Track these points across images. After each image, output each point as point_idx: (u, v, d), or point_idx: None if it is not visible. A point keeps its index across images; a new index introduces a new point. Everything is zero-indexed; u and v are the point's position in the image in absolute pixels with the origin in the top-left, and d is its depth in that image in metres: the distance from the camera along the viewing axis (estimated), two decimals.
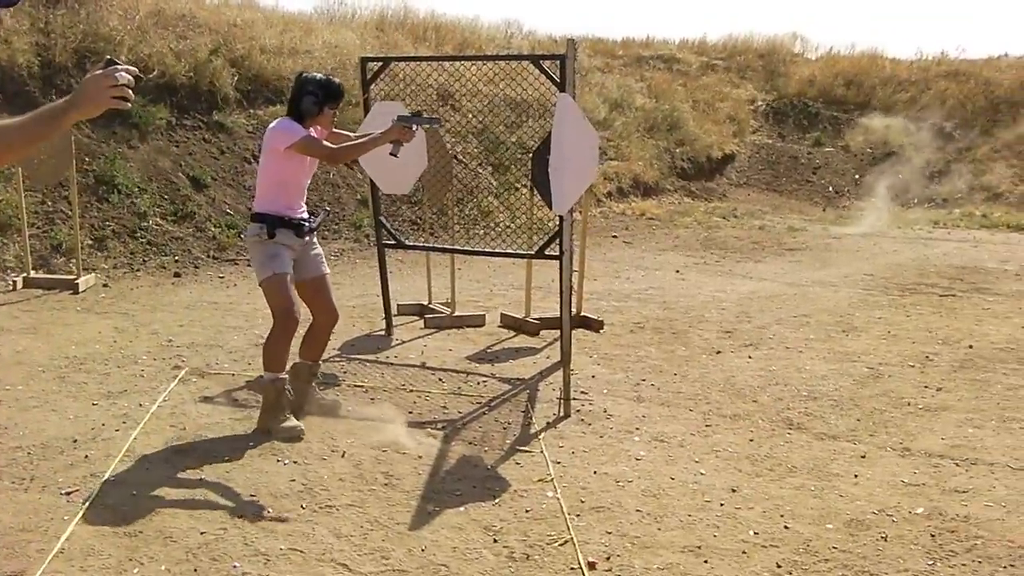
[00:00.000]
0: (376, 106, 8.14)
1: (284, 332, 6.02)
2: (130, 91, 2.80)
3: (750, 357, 8.31)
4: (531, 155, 8.88)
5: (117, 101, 2.79)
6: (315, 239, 6.41)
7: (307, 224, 6.19)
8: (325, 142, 6.14)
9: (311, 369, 6.53)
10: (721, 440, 6.23)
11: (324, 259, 6.49)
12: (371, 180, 8.62)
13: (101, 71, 2.79)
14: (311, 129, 6.06)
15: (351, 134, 6.57)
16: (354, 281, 11.20)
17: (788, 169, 23.37)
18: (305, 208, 6.29)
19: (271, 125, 6.15)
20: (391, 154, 6.23)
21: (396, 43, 18.82)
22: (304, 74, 6.21)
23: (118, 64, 2.80)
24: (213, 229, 12.29)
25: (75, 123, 2.87)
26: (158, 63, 13.62)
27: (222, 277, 11.19)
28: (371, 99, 8.42)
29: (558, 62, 7.14)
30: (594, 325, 9.02)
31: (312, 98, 6.03)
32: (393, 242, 8.84)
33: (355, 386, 7.18)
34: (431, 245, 9.75)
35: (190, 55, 14.19)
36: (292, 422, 6.06)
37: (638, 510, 5.09)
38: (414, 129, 6.16)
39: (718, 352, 8.46)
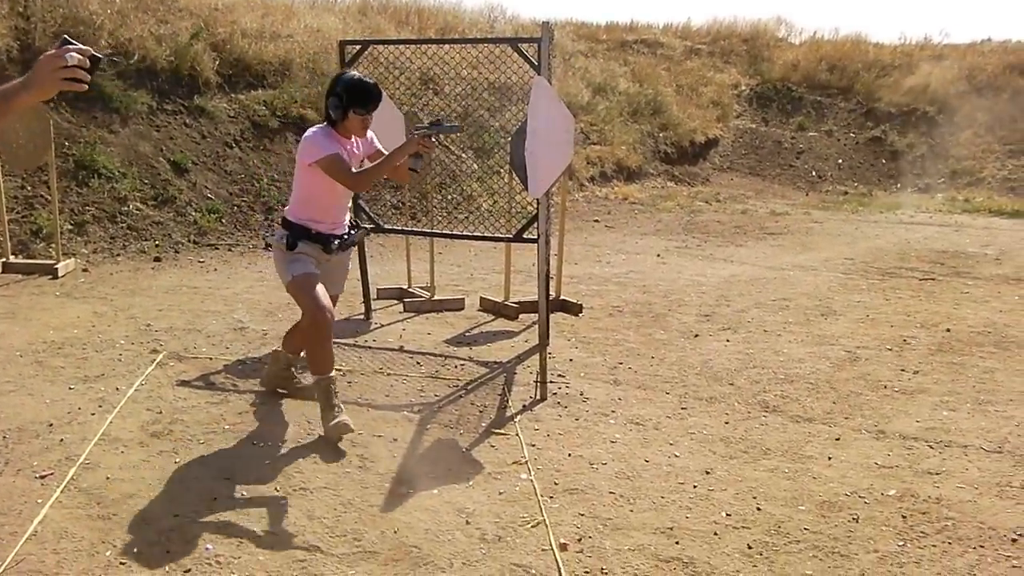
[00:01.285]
0: None
1: (319, 334, 5.70)
2: (83, 72, 2.74)
3: (728, 340, 8.34)
4: (510, 139, 8.89)
5: (68, 83, 2.72)
6: (348, 254, 6.22)
7: (335, 242, 5.86)
8: (353, 165, 5.69)
9: (290, 360, 6.42)
10: (697, 423, 6.26)
11: (346, 276, 6.32)
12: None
13: (53, 51, 2.73)
14: (351, 141, 5.73)
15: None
16: None
17: (771, 154, 23.41)
18: (343, 223, 5.98)
19: (306, 133, 5.70)
20: (411, 169, 5.67)
21: (379, 27, 18.77)
22: (341, 73, 5.76)
23: (72, 44, 2.74)
24: (194, 214, 12.26)
25: (44, 102, 2.82)
26: (139, 47, 13.55)
27: (202, 262, 11.18)
28: None
29: (536, 46, 7.11)
30: (573, 309, 9.04)
31: (335, 100, 5.55)
32: (372, 226, 8.83)
33: (334, 369, 7.18)
34: (410, 229, 9.73)
35: (171, 39, 14.11)
36: (342, 416, 5.70)
37: (611, 492, 5.12)
38: (434, 140, 5.67)
39: (696, 335, 8.49)
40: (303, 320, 5.80)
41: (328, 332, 5.73)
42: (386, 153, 5.82)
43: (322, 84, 15.06)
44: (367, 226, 6.24)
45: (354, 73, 5.70)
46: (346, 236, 5.95)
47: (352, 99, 5.53)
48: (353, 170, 5.61)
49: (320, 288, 5.70)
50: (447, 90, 16.45)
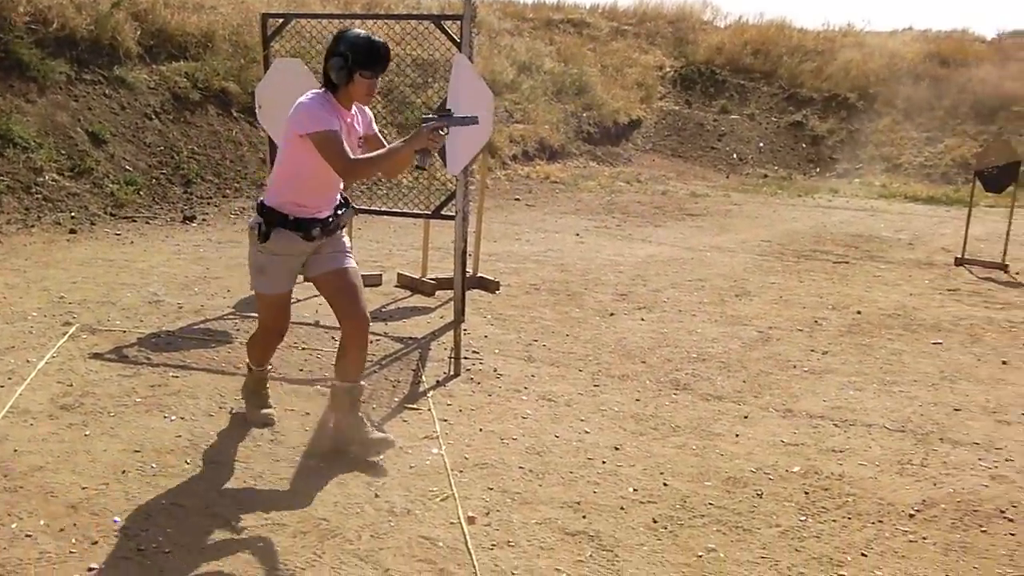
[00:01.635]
0: (276, 63, 8.09)
1: (263, 339, 5.44)
2: None
3: (643, 319, 8.43)
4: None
5: None
6: (340, 233, 5.30)
7: (316, 228, 5.04)
8: (351, 143, 4.95)
9: (350, 392, 5.26)
10: (608, 400, 6.33)
11: (349, 253, 5.32)
12: (269, 138, 8.54)
13: None
14: (351, 113, 5.01)
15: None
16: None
17: (693, 136, 23.63)
18: (331, 205, 5.15)
19: (301, 98, 4.93)
20: (418, 166, 5.05)
21: (303, 0, 18.63)
22: (343, 31, 4.92)
23: None
24: (111, 185, 12.13)
25: None
26: (58, 15, 13.34)
27: (119, 234, 11.06)
28: (272, 56, 8.38)
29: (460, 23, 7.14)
30: (490, 286, 9.09)
31: (339, 60, 4.78)
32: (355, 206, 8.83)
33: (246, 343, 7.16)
34: None
35: (91, 8, 13.90)
36: (267, 410, 5.59)
37: (521, 467, 5.17)
38: (444, 132, 4.96)
39: (611, 314, 8.57)
40: (257, 326, 5.47)
41: (274, 344, 5.51)
42: (383, 140, 5.27)
43: (245, 57, 14.96)
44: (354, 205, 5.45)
45: (359, 31, 4.92)
46: (330, 219, 5.11)
47: (359, 60, 4.79)
48: (350, 154, 4.83)
49: (285, 308, 5.32)
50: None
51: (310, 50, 8.92)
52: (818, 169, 22.48)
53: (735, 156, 22.92)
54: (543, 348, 7.44)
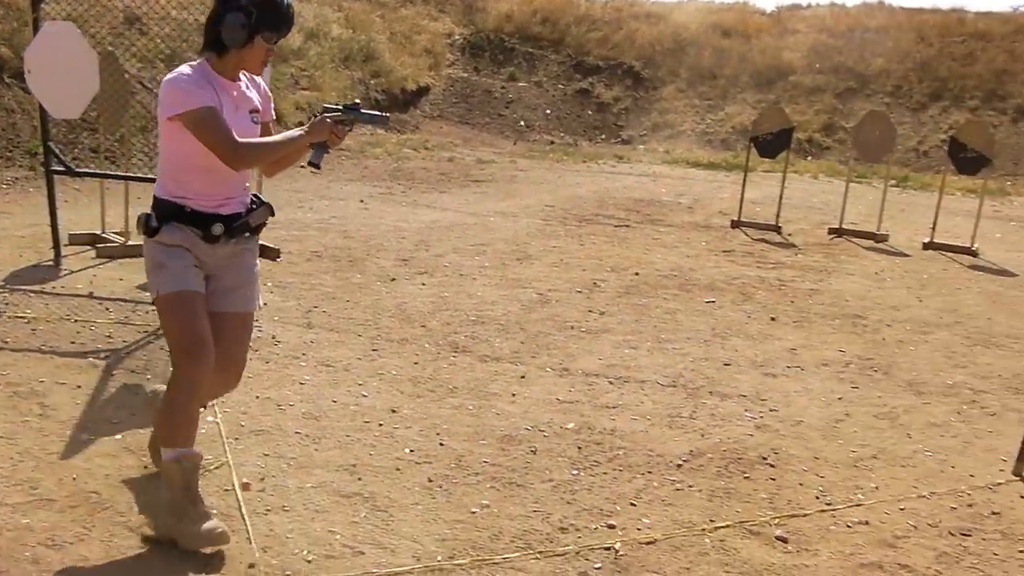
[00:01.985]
0: (46, 26, 7.84)
1: (186, 385, 3.94)
2: None
3: (424, 284, 8.49)
4: None
5: None
6: (249, 250, 4.37)
7: (219, 225, 4.03)
8: (237, 116, 3.97)
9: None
10: (386, 364, 6.38)
11: (257, 290, 4.44)
12: (40, 105, 8.25)
13: None
14: (238, 83, 4.03)
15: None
16: (26, 210, 10.73)
17: (481, 103, 23.78)
18: (238, 197, 4.15)
19: (170, 74, 3.90)
20: (311, 163, 4.13)
21: None
22: None
23: None
24: None
25: None
26: None
27: None
28: (42, 20, 8.10)
29: None
30: (271, 254, 8.99)
31: (240, 17, 3.79)
32: (63, 169, 8.56)
33: (17, 317, 6.92)
34: (103, 172, 9.46)
35: None
36: (212, 522, 3.90)
37: (297, 432, 5.17)
38: (348, 128, 4.07)
39: (392, 279, 8.60)
40: (172, 368, 4.07)
41: (198, 386, 3.98)
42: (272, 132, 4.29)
43: (17, 20, 14.38)
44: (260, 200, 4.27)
45: None
46: (235, 218, 4.11)
47: (265, 19, 3.84)
48: (235, 136, 3.85)
49: (200, 313, 4.02)
50: (154, 30, 15.96)
51: (87, 13, 8.66)
52: (604, 136, 22.93)
53: (522, 123, 23.17)
54: (323, 314, 7.43)
